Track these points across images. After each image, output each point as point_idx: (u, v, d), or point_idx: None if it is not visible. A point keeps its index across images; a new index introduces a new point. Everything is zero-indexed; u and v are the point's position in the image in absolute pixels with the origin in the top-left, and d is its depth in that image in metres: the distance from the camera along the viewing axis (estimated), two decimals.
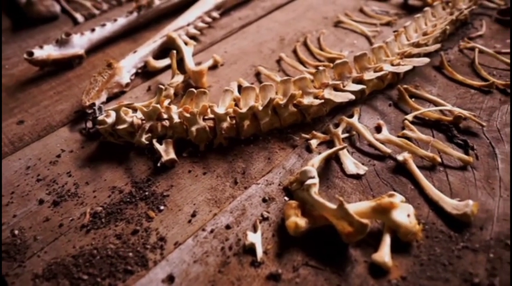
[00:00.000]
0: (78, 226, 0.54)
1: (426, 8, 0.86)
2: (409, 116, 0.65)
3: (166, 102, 0.67)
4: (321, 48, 0.87)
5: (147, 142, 0.63)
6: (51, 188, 0.60)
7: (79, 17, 1.10)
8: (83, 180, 0.61)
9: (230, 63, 0.86)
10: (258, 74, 0.81)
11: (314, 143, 0.63)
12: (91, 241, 0.52)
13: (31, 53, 0.82)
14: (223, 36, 0.96)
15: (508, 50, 0.79)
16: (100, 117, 0.64)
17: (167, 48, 0.86)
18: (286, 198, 0.55)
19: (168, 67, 0.84)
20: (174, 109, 0.64)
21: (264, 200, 0.55)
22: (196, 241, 0.51)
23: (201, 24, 0.96)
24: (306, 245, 0.49)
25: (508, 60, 0.75)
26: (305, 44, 0.90)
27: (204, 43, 0.94)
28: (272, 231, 0.51)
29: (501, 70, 0.75)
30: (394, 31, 0.78)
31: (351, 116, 0.67)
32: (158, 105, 0.63)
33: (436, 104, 0.68)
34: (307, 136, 0.64)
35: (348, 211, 0.45)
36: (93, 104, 0.72)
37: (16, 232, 0.54)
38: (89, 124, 0.69)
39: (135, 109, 0.67)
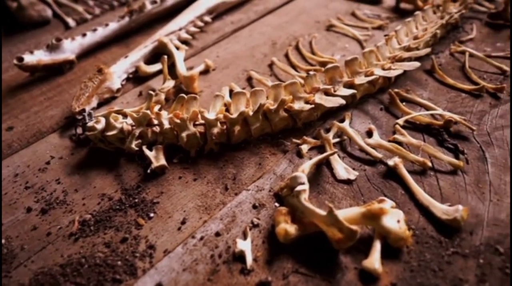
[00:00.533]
0: (67, 234, 0.54)
1: (417, 12, 0.86)
2: (400, 121, 0.65)
3: (156, 108, 0.67)
4: (313, 52, 0.87)
5: (137, 148, 0.63)
6: (39, 195, 0.60)
7: (71, 21, 1.09)
8: (72, 187, 0.61)
9: (222, 68, 0.86)
10: (250, 79, 0.81)
11: (305, 148, 0.62)
12: (79, 250, 0.51)
13: (21, 59, 0.81)
14: (215, 40, 0.96)
15: (498, 54, 0.80)
16: (90, 124, 0.64)
17: (159, 53, 0.86)
18: (277, 204, 0.55)
19: (160, 72, 0.84)
20: (165, 115, 0.64)
21: (254, 206, 0.55)
22: (186, 248, 0.50)
23: (193, 29, 0.96)
24: (296, 252, 0.49)
25: (498, 64, 0.76)
26: (297, 48, 0.90)
27: (196, 48, 0.94)
28: (262, 238, 0.51)
29: (491, 74, 0.75)
30: (385, 35, 0.78)
31: (343, 120, 0.67)
32: (148, 111, 0.63)
33: (427, 108, 0.68)
34: (298, 141, 0.64)
35: (337, 217, 0.45)
36: (83, 110, 0.71)
37: (3, 241, 0.53)
38: (79, 130, 0.69)
39: (125, 115, 0.66)
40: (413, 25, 0.84)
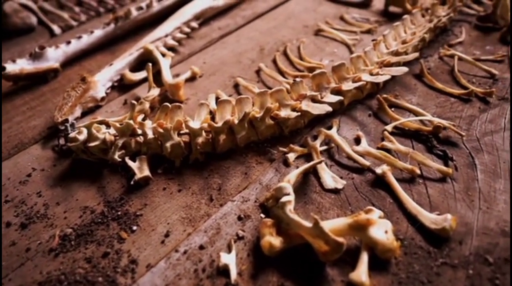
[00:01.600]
0: (46, 250, 0.52)
1: (405, 16, 0.85)
2: (389, 127, 0.64)
3: (140, 118, 0.66)
4: (301, 58, 0.86)
5: (120, 159, 0.61)
6: (19, 209, 0.58)
7: (56, 29, 1.07)
8: (53, 200, 0.59)
9: (208, 75, 0.84)
10: (237, 86, 0.80)
11: (291, 156, 0.61)
12: (59, 266, 0.50)
13: (3, 68, 0.79)
14: (202, 46, 0.95)
15: (487, 57, 0.79)
16: (72, 135, 0.62)
17: (145, 61, 0.84)
18: (262, 215, 0.54)
19: (146, 79, 0.82)
20: (148, 124, 0.62)
21: (239, 218, 0.54)
22: (169, 263, 0.49)
23: (179, 35, 0.95)
24: (282, 265, 0.47)
25: (487, 68, 0.75)
26: (285, 53, 0.89)
27: (183, 54, 0.93)
28: (247, 250, 0.50)
29: (480, 78, 0.74)
30: (373, 40, 0.77)
31: (330, 128, 0.66)
32: (131, 121, 0.61)
33: (416, 114, 0.67)
34: (284, 150, 0.62)
35: (323, 229, 0.44)
36: (66, 120, 0.69)
37: None
38: (62, 141, 0.67)
39: (108, 125, 0.65)
40: (402, 29, 0.83)
